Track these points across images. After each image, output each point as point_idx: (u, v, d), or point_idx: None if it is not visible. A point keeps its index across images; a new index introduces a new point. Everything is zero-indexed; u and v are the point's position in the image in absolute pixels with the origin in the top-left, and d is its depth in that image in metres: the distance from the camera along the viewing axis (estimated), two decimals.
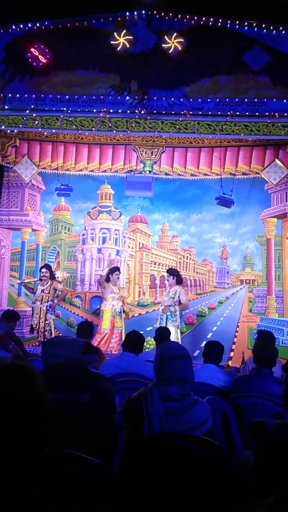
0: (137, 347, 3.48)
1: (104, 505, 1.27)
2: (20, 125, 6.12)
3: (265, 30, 5.73)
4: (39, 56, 5.98)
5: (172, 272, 6.30)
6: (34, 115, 6.01)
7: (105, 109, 5.91)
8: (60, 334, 6.65)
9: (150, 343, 6.45)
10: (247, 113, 5.78)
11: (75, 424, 1.75)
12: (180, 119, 5.86)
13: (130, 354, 3.39)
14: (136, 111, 5.87)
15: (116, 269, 6.58)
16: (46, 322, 6.29)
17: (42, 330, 6.26)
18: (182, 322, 6.39)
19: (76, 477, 1.29)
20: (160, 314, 6.17)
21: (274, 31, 5.73)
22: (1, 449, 0.66)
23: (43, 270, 6.45)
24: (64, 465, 1.27)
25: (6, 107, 6.06)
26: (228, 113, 5.77)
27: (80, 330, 4.22)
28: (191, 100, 5.87)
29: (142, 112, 5.85)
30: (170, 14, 5.83)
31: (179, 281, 6.23)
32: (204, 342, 6.68)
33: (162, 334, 4.40)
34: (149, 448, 1.70)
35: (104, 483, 1.31)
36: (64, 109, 5.96)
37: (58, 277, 6.79)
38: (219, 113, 5.81)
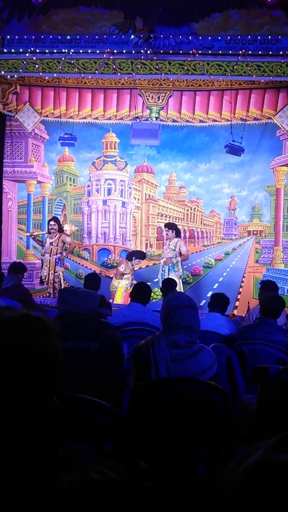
0: (144, 298, 3.55)
1: (113, 444, 1.34)
2: (20, 70, 5.84)
3: None
4: None
5: (171, 226, 6.41)
6: (34, 58, 5.72)
7: (108, 49, 5.58)
8: (69, 286, 6.79)
9: (157, 294, 6.56)
10: (260, 52, 5.42)
11: (85, 370, 1.82)
12: (189, 59, 5.52)
13: (137, 304, 3.46)
14: (142, 51, 5.53)
15: (143, 256, 6.65)
16: (56, 274, 6.39)
17: (52, 282, 6.37)
18: (184, 272, 6.56)
19: (87, 419, 1.35)
20: (162, 266, 6.32)
21: None
22: (11, 403, 0.67)
23: (52, 222, 6.45)
24: (75, 407, 1.33)
25: (5, 50, 5.75)
26: (240, 52, 5.41)
27: (87, 281, 4.28)
28: (200, 38, 5.50)
29: (148, 52, 5.52)
30: None
31: (178, 233, 6.39)
32: (210, 293, 6.80)
33: (168, 284, 4.46)
34: (155, 391, 1.77)
35: (113, 424, 1.38)
36: (66, 50, 5.64)
37: (66, 230, 6.80)
38: (230, 52, 5.45)
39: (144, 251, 7.04)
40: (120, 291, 6.50)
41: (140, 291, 3.58)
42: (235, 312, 6.42)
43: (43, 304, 5.62)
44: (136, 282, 3.88)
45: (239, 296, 6.97)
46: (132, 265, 6.54)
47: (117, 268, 6.68)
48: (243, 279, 7.15)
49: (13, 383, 0.67)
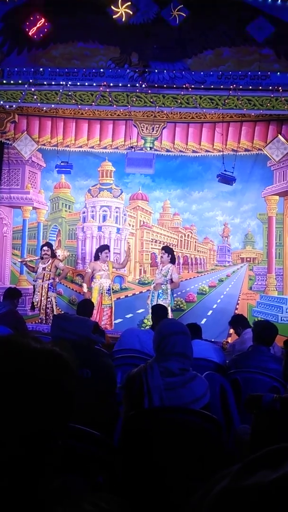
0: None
1: (104, 475, 1.32)
2: (19, 100, 6.00)
3: (270, 0, 5.52)
4: (38, 28, 5.80)
5: (168, 249, 6.35)
6: (33, 89, 5.88)
7: (105, 82, 5.77)
8: (62, 312, 6.73)
9: (150, 321, 6.52)
10: (250, 87, 5.64)
11: (76, 397, 1.80)
12: (182, 93, 5.72)
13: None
14: (137, 84, 5.73)
15: (106, 247, 6.59)
16: (48, 299, 6.35)
17: (44, 307, 6.33)
18: (173, 300, 6.48)
19: (77, 449, 1.33)
20: (151, 291, 6.25)
21: (279, 1, 5.52)
22: (18, 434, 0.67)
23: (45, 248, 6.46)
24: (66, 437, 1.31)
25: (4, 81, 5.92)
26: (231, 86, 5.63)
27: (80, 308, 4.26)
28: (193, 73, 5.72)
29: (143, 85, 5.72)
30: None
31: (173, 260, 6.32)
32: (205, 320, 6.76)
33: (159, 311, 4.43)
34: (148, 421, 1.75)
35: (104, 455, 1.36)
36: (63, 83, 5.83)
37: (59, 256, 6.81)
38: (221, 86, 5.67)
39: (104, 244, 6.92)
40: (95, 293, 6.34)
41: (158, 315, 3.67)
42: (229, 339, 6.38)
43: (36, 331, 5.56)
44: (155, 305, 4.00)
45: None
46: (105, 261, 6.41)
47: (85, 273, 6.61)
48: (237, 306, 7.15)
49: (25, 412, 0.68)
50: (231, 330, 6.80)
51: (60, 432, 0.72)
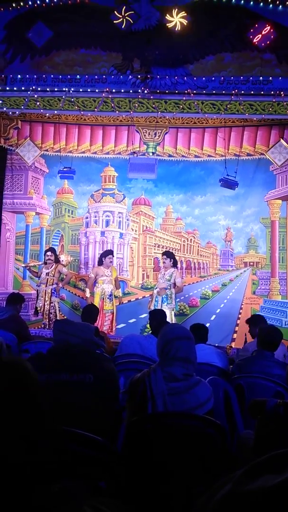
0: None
1: (107, 480, 1.31)
2: (22, 107, 6.05)
3: (271, 5, 5.55)
4: (40, 35, 5.86)
5: (169, 254, 6.34)
6: (35, 96, 5.93)
7: (107, 88, 5.81)
8: (65, 317, 6.73)
9: None
10: (252, 92, 5.65)
11: (79, 403, 1.79)
12: (184, 98, 5.74)
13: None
14: (139, 90, 5.76)
15: (109, 252, 6.58)
16: (51, 305, 6.36)
17: (47, 312, 6.33)
18: (177, 305, 6.45)
19: (80, 454, 1.32)
20: (155, 296, 6.21)
21: (281, 6, 5.55)
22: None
23: (48, 253, 6.48)
24: (68, 443, 1.31)
25: (7, 88, 5.97)
26: (233, 92, 5.65)
27: (85, 313, 4.26)
28: (195, 78, 5.75)
29: (145, 91, 5.75)
30: None
31: (175, 263, 6.33)
32: (208, 324, 6.73)
33: (158, 316, 4.38)
34: (151, 426, 1.74)
35: (107, 460, 1.35)
36: (66, 89, 5.87)
37: (62, 261, 6.83)
38: (223, 92, 5.68)
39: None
40: (97, 297, 6.33)
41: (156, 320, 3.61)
42: (233, 344, 6.35)
43: (38, 336, 5.56)
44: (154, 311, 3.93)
45: (236, 328, 6.92)
46: (108, 267, 6.40)
47: (88, 278, 6.59)
48: (241, 311, 7.12)
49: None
50: (235, 335, 6.79)
51: (41, 436, 0.72)
